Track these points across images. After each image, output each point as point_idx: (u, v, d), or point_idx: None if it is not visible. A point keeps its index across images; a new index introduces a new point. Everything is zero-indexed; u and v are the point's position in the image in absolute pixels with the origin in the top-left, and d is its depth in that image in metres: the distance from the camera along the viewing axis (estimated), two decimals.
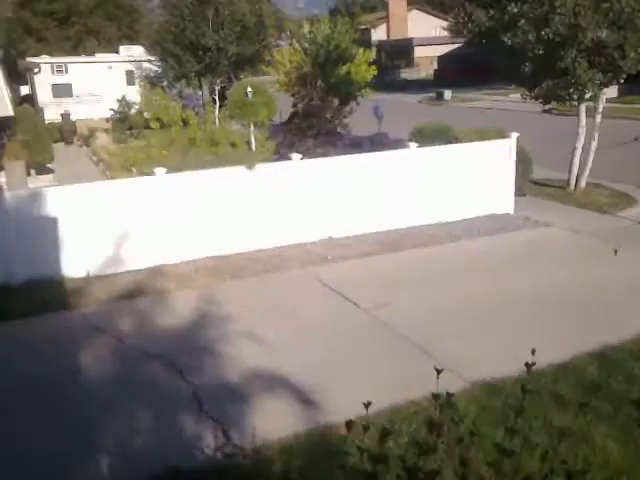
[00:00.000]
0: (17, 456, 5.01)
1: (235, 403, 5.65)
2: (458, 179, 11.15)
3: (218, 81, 25.03)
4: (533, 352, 2.20)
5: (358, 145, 16.81)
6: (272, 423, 5.22)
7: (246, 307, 7.83)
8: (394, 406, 5.27)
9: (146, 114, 21.61)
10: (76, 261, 8.98)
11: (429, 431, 1.91)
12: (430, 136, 12.29)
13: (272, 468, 4.69)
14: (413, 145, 11.00)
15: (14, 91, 21.41)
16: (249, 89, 21.12)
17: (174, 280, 8.81)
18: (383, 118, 20.19)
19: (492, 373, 5.71)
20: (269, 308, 7.79)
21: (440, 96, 36.69)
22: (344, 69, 19.80)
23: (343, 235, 10.33)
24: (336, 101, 18.99)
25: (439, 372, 2.09)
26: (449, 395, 2.05)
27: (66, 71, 27.18)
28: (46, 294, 8.29)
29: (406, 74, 55.62)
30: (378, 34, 61.51)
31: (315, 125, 17.16)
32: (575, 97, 12.38)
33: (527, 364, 2.09)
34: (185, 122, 15.93)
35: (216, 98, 23.69)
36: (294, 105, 19.47)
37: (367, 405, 2.01)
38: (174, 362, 6.42)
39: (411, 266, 9.12)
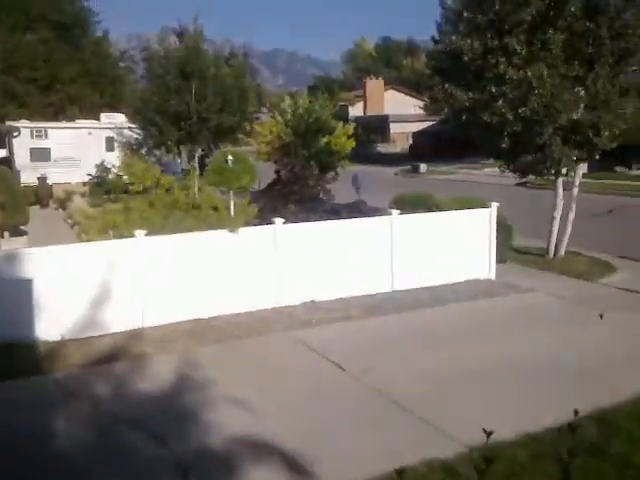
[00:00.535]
0: None
1: (220, 472, 5.34)
2: (440, 245, 11.20)
3: (199, 150, 25.29)
4: (576, 413, 2.04)
5: (337, 212, 16.88)
6: None
7: (227, 371, 7.55)
8: (387, 474, 5.02)
9: (125, 178, 21.60)
10: (50, 324, 8.62)
11: None
12: (410, 204, 12.40)
13: None
14: (395, 212, 11.08)
15: None
16: (230, 157, 21.41)
17: (153, 343, 8.50)
18: (362, 187, 20.46)
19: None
20: (251, 372, 7.53)
21: (416, 169, 37.52)
22: (324, 140, 20.17)
23: (326, 299, 10.19)
24: (316, 169, 19.25)
25: (489, 435, 1.91)
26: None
27: (45, 136, 27.13)
28: (17, 358, 7.93)
29: (382, 148, 57.08)
30: (355, 111, 63.41)
31: (297, 191, 17.26)
32: (552, 171, 12.74)
33: (570, 425, 1.94)
34: (166, 188, 15.94)
35: (195, 165, 23.82)
36: (277, 171, 19.67)
37: None
38: (154, 429, 6.07)
39: (396, 330, 8.96)
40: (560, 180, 13.13)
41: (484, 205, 11.94)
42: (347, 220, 11.44)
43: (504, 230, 12.21)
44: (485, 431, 1.89)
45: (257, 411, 6.40)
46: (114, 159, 25.40)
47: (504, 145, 12.22)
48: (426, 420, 6.11)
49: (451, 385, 6.97)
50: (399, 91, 69.62)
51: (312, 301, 10.12)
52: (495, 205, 11.72)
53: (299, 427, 6.06)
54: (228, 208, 16.82)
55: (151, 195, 15.65)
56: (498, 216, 11.80)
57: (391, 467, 5.05)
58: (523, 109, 11.49)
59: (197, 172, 22.70)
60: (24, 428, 6.21)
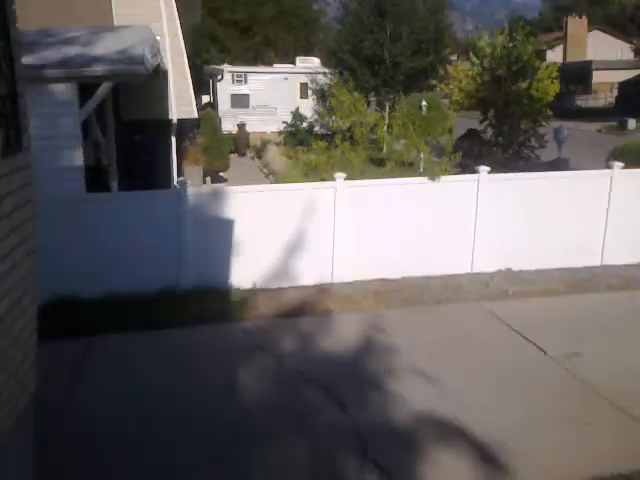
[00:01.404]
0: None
1: (404, 450, 4.96)
2: None
3: (392, 97, 24.55)
4: None
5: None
6: None
7: (416, 340, 7.13)
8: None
9: (317, 129, 21.39)
10: (244, 271, 8.66)
11: None
12: (635, 157, 10.66)
13: None
14: (618, 165, 9.50)
15: (197, 98, 22.26)
16: (424, 102, 20.15)
17: (340, 301, 8.33)
18: (564, 143, 18.61)
19: None
20: (441, 344, 7.02)
21: (623, 125, 33.36)
22: (524, 85, 18.19)
23: (525, 268, 9.28)
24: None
25: None
26: None
27: (245, 81, 27.25)
28: (210, 304, 8.09)
29: (582, 101, 51.36)
30: (554, 56, 58.02)
31: (506, 135, 15.76)
32: None
33: None
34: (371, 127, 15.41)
35: (386, 115, 23.06)
36: (483, 112, 18.26)
37: None
38: (336, 392, 5.88)
39: (606, 311, 7.90)
40: None
41: None
42: (559, 173, 10.08)
43: None
44: None
45: (445, 387, 5.95)
46: (308, 108, 25.37)
47: None
48: None
49: None
50: (605, 32, 61.85)
51: (508, 269, 9.30)
52: None
53: (493, 413, 5.51)
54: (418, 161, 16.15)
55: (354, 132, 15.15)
56: None
57: (597, 474, 4.44)
58: None
59: (386, 122, 21.97)
60: (211, 374, 6.38)
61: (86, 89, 9.07)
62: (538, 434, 5.14)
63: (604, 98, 51.42)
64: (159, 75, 11.64)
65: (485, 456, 4.87)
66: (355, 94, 17.45)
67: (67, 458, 4.93)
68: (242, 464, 4.88)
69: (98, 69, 8.67)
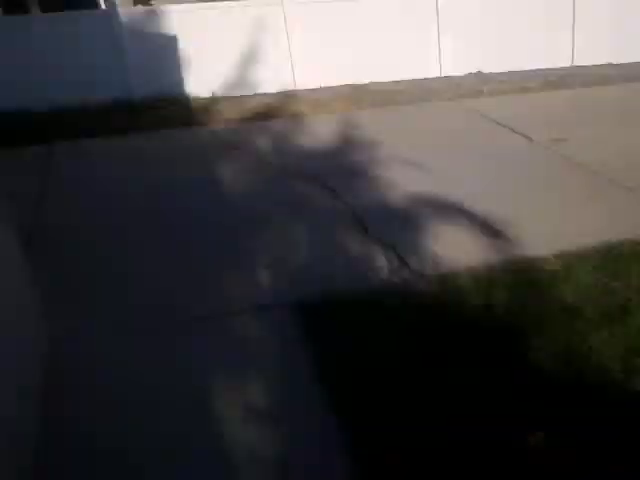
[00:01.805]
0: (164, 263, 4.33)
1: (402, 227, 4.67)
2: (631, 13, 9.31)
3: None
4: None
5: None
6: (453, 251, 4.23)
7: (393, 133, 6.77)
8: (602, 245, 4.22)
9: None
10: (200, 81, 8.18)
11: None
12: None
13: (466, 297, 3.70)
14: None
15: None
16: None
17: (308, 104, 7.81)
18: None
19: None
20: (424, 137, 6.68)
21: None
22: None
23: (496, 71, 8.94)
24: None
25: None
26: None
27: None
28: (169, 111, 7.53)
29: None
30: None
31: None
32: None
33: None
34: None
35: None
36: None
37: None
38: (323, 181, 5.50)
39: (583, 104, 7.70)
40: None
41: None
42: None
43: None
44: None
45: (436, 173, 5.65)
46: None
47: None
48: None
49: None
50: None
51: (479, 72, 8.91)
52: None
53: (488, 192, 5.25)
54: None
55: None
56: None
57: (602, 240, 4.31)
58: None
59: None
60: (190, 171, 5.89)
61: None
62: (540, 208, 4.94)
63: None
64: None
65: (486, 229, 4.64)
66: None
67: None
68: (245, 240, 4.51)
69: None
